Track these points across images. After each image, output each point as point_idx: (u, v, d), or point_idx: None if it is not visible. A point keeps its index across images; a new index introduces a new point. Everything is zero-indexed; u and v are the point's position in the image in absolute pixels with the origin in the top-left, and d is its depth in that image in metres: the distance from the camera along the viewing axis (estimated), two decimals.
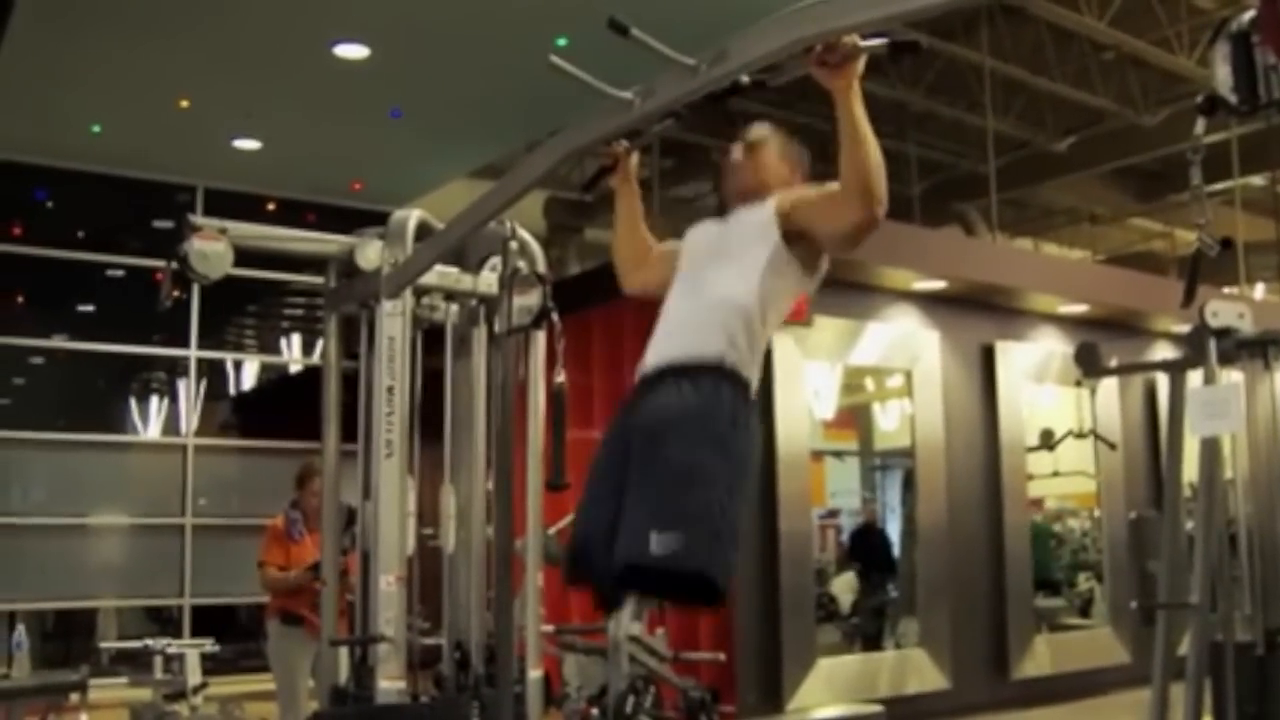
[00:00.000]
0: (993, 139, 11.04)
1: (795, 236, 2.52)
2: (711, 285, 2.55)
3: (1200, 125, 2.33)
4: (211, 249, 3.91)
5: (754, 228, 2.56)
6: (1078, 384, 8.58)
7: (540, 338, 4.04)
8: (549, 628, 5.20)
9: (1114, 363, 5.75)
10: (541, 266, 3.91)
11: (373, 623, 3.85)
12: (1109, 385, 8.68)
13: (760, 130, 2.77)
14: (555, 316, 3.02)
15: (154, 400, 11.23)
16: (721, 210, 2.78)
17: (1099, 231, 16.25)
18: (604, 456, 2.55)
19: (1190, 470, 4.57)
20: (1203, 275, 3.12)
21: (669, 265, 2.78)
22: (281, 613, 5.53)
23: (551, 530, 5.39)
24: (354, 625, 4.14)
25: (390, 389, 3.93)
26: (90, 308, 10.66)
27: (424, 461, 4.12)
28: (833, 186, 2.43)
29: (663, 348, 2.56)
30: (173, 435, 10.45)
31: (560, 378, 2.89)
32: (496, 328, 4.05)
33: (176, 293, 4.05)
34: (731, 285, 2.52)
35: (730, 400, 2.44)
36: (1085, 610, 9.52)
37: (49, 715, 5.90)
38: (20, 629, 5.97)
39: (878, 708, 6.29)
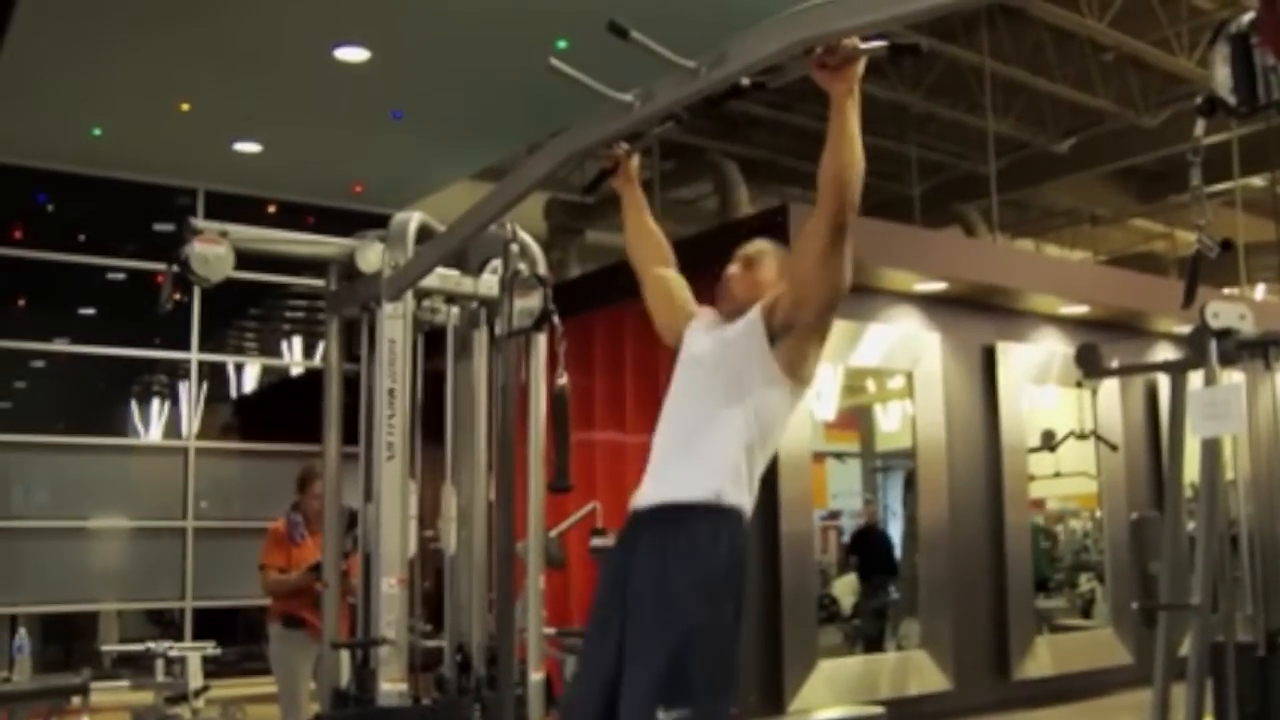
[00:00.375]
0: (993, 140, 11.05)
1: (781, 330, 2.53)
2: (705, 422, 2.55)
3: (1200, 126, 2.33)
4: (212, 252, 3.92)
5: (742, 335, 2.58)
6: (1079, 385, 8.58)
7: (541, 340, 4.05)
8: (550, 630, 5.20)
9: (1115, 364, 5.75)
10: (542, 269, 3.91)
11: (374, 625, 3.86)
12: (1110, 386, 8.68)
13: (759, 245, 2.78)
14: (556, 319, 3.02)
15: (155, 403, 11.23)
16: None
17: (1100, 232, 16.26)
18: (601, 604, 2.56)
19: (1191, 471, 4.57)
20: (1203, 276, 3.12)
21: (678, 310, 2.84)
22: (283, 615, 5.52)
23: (553, 532, 5.39)
24: (355, 628, 4.14)
25: (391, 391, 3.93)
26: (91, 311, 10.66)
27: (425, 464, 4.13)
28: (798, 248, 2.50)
29: (658, 485, 2.56)
30: (174, 438, 10.45)
31: (562, 379, 2.89)
32: (497, 330, 4.05)
33: (177, 296, 4.06)
34: (725, 422, 2.52)
35: (726, 545, 2.45)
36: (1087, 611, 9.52)
37: (51, 718, 5.91)
38: (22, 632, 5.97)
39: (879, 709, 6.30)
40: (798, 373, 2.57)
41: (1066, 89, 11.53)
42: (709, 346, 2.66)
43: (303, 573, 5.38)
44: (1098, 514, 9.35)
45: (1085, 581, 9.79)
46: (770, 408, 2.55)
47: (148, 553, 9.63)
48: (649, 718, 2.30)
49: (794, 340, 2.53)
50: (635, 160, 2.94)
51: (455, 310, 4.25)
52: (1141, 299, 8.83)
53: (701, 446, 2.52)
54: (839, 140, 2.31)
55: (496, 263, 3.88)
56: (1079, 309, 8.60)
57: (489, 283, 4.09)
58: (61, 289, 10.06)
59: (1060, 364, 8.35)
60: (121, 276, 10.22)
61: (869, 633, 9.07)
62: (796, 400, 2.61)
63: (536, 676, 3.98)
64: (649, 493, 2.56)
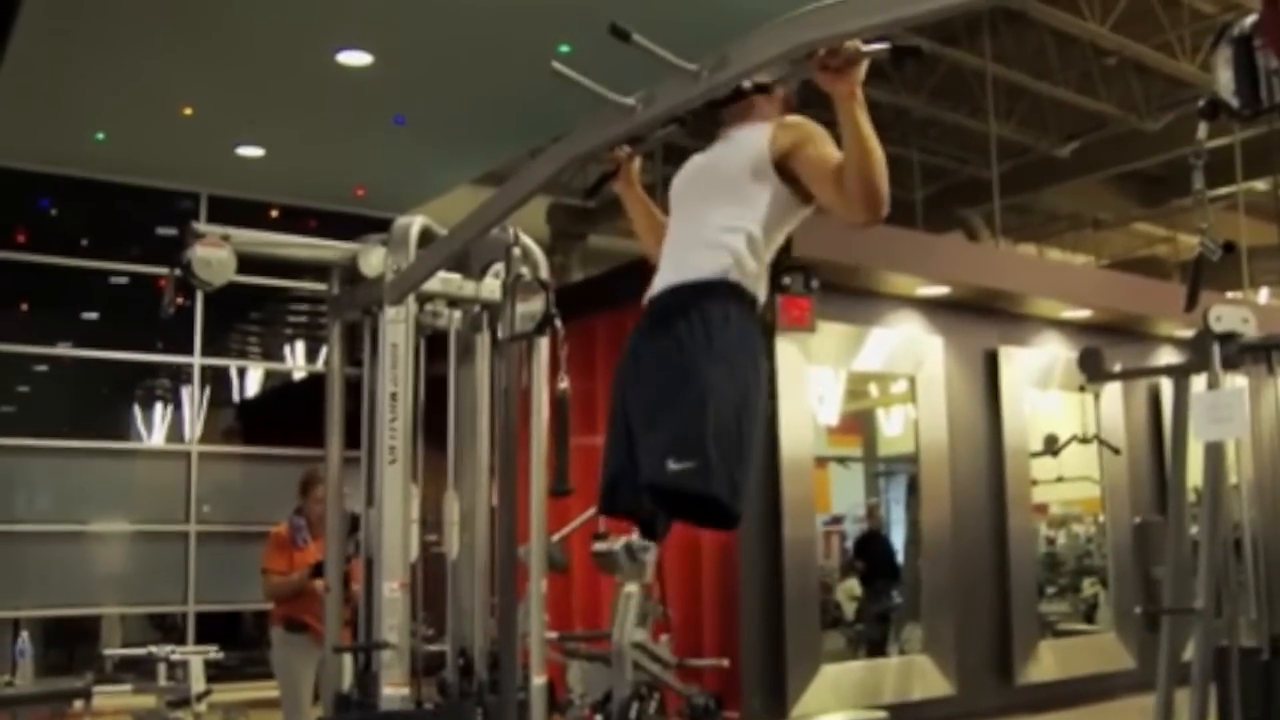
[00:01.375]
0: (995, 144, 11.04)
1: (790, 177, 2.49)
2: (711, 213, 2.53)
3: (1202, 129, 2.33)
4: (215, 256, 3.92)
5: (747, 161, 2.53)
6: (1081, 389, 8.58)
7: (543, 344, 4.04)
8: (553, 634, 5.19)
9: (1118, 368, 5.74)
10: (544, 272, 3.92)
11: (376, 629, 3.85)
12: (1113, 390, 8.67)
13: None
14: (558, 323, 3.02)
15: (158, 407, 11.23)
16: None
17: (1102, 236, 16.25)
18: (621, 386, 2.58)
19: (1195, 475, 4.56)
20: (1206, 280, 3.12)
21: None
22: (285, 620, 5.52)
23: (555, 537, 5.39)
24: (358, 632, 4.14)
25: (393, 395, 3.93)
26: (94, 315, 10.67)
27: (427, 468, 4.13)
28: (832, 156, 2.39)
29: (666, 273, 2.56)
30: (177, 442, 10.45)
31: (564, 383, 2.89)
32: (499, 334, 4.06)
33: (180, 299, 4.07)
34: (733, 212, 2.50)
35: (737, 318, 2.43)
36: (1090, 615, 9.50)
37: None
38: (24, 636, 5.98)
39: (882, 714, 6.29)
40: (803, 194, 2.51)
41: (1068, 93, 11.53)
42: (706, 165, 2.66)
43: (303, 574, 5.38)
44: (1100, 518, 9.33)
45: (1088, 586, 9.77)
46: (773, 212, 2.51)
47: (150, 557, 9.63)
48: (659, 461, 2.30)
49: (801, 186, 2.49)
50: (637, 163, 2.94)
51: (457, 314, 4.25)
52: (1144, 303, 8.82)
53: (705, 235, 2.51)
54: (855, 149, 2.28)
55: (498, 266, 3.88)
56: (1081, 313, 8.59)
57: (491, 286, 4.09)
58: (64, 293, 10.06)
59: (1063, 368, 8.34)
60: (124, 281, 10.22)
61: (872, 637, 9.06)
62: (795, 212, 2.55)
63: (538, 681, 3.97)
64: (657, 283, 2.56)
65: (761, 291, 2.52)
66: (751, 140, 2.55)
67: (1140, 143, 12.45)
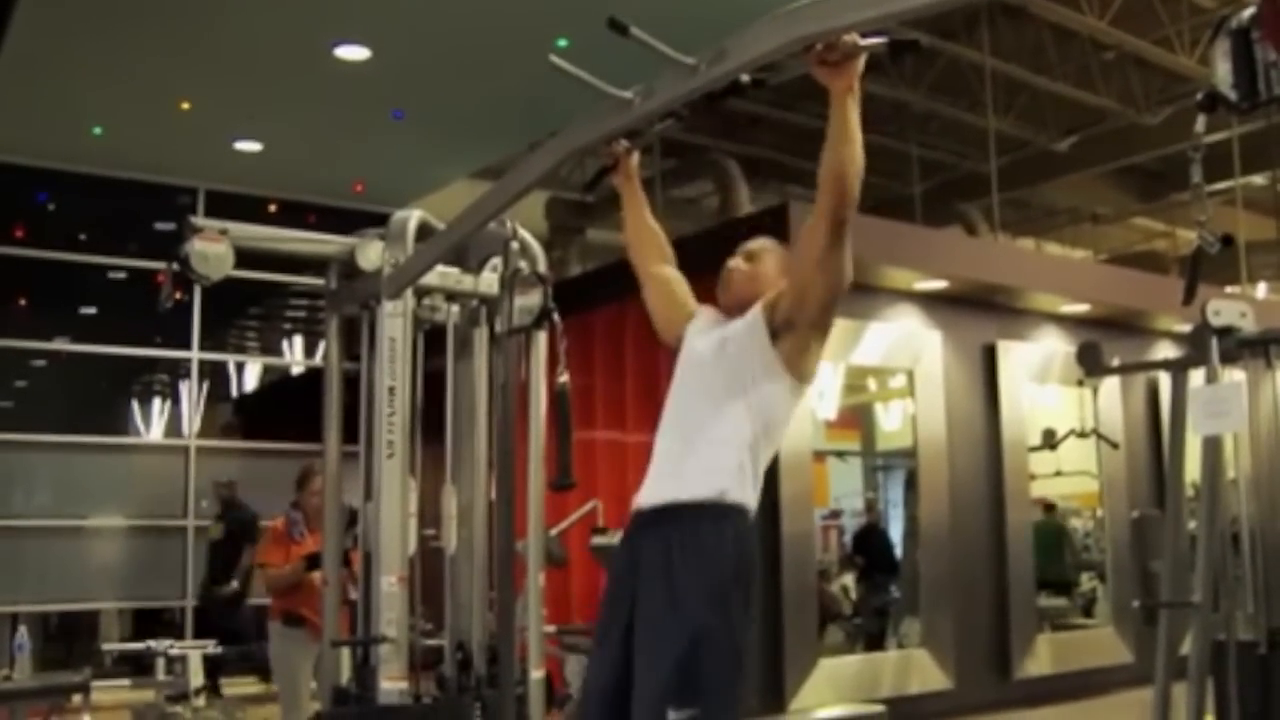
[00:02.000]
0: (994, 139, 11.03)
1: (783, 327, 2.53)
2: (707, 420, 2.55)
3: (1201, 122, 2.33)
4: (212, 250, 3.92)
5: (743, 332, 2.59)
6: (1080, 383, 8.56)
7: (541, 338, 4.04)
8: (551, 628, 5.20)
9: (1116, 362, 5.74)
10: (543, 267, 3.91)
11: (375, 624, 3.85)
12: (1111, 384, 8.67)
13: (761, 241, 2.80)
14: (556, 317, 3.02)
15: (156, 402, 11.24)
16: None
17: (1101, 231, 16.25)
18: (609, 603, 2.58)
19: (1193, 469, 4.56)
20: (1204, 274, 3.12)
21: (677, 309, 2.85)
22: (283, 614, 5.52)
23: (553, 531, 5.39)
24: (356, 626, 4.14)
25: (391, 390, 3.93)
26: (92, 310, 10.66)
27: (425, 462, 4.12)
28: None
29: (661, 484, 2.56)
30: (175, 437, 10.45)
31: (563, 377, 2.89)
32: (498, 328, 4.06)
33: (178, 294, 4.06)
34: (728, 419, 2.52)
35: (732, 544, 2.46)
36: (1088, 610, 9.51)
37: (51, 717, 5.91)
38: (22, 630, 5.97)
39: (880, 708, 6.29)
40: (799, 369, 2.57)
41: (1067, 87, 11.52)
42: (709, 344, 2.67)
43: (296, 566, 5.39)
44: (1099, 512, 9.34)
45: (1086, 580, 9.78)
46: (772, 404, 2.55)
47: (148, 551, 9.64)
48: (659, 718, 2.33)
49: (795, 337, 2.54)
50: (635, 158, 2.94)
51: (455, 308, 4.25)
52: (1142, 297, 8.82)
53: (704, 444, 2.52)
54: (839, 137, 2.31)
55: (497, 260, 3.87)
56: (1080, 307, 8.59)
57: (489, 280, 4.08)
58: (62, 288, 10.06)
59: (1061, 362, 8.34)
60: (122, 275, 10.22)
61: (870, 631, 9.07)
62: (799, 397, 2.61)
63: (537, 675, 3.97)
64: (652, 492, 2.56)
65: (754, 495, 2.54)
66: (748, 317, 2.60)
67: (1139, 137, 12.45)
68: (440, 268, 3.93)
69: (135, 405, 11.18)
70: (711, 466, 2.50)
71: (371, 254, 4.15)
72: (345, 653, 4.11)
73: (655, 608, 2.42)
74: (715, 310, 2.77)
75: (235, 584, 8.22)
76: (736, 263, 2.75)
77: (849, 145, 2.31)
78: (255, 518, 8.36)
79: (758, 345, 2.55)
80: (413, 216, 4.07)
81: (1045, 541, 9.28)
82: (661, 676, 2.36)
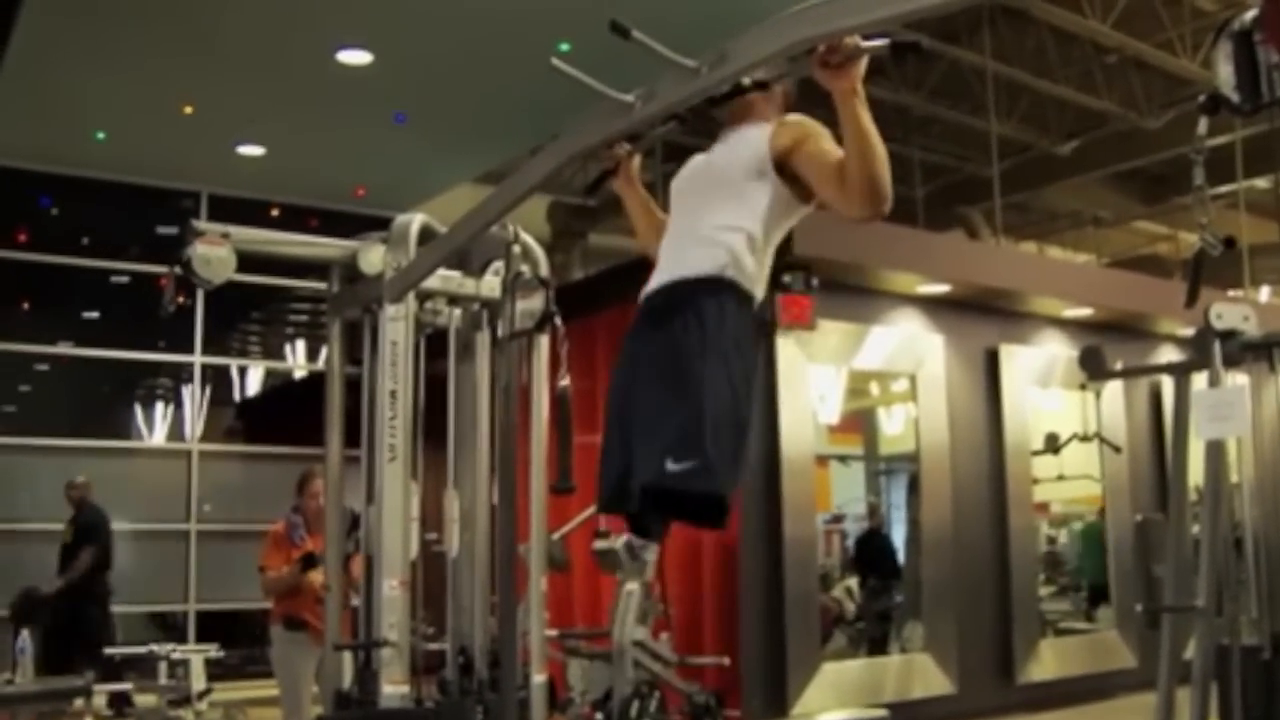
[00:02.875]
0: (996, 142, 11.03)
1: (790, 176, 2.50)
2: (710, 212, 2.54)
3: (1203, 124, 2.33)
4: (215, 254, 3.92)
5: (747, 160, 2.53)
6: (1082, 387, 8.56)
7: (543, 342, 4.04)
8: (553, 632, 5.18)
9: (1119, 366, 5.74)
10: (544, 270, 3.91)
11: (376, 627, 3.85)
12: (1114, 388, 8.66)
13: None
14: (558, 320, 3.02)
15: (159, 406, 11.24)
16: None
17: (1103, 235, 16.24)
18: (618, 386, 2.58)
19: (1196, 473, 4.55)
20: (1206, 278, 3.12)
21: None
22: (285, 618, 5.52)
23: (555, 535, 5.38)
24: (357, 630, 4.14)
25: (393, 393, 3.93)
26: (95, 314, 10.68)
27: (427, 466, 4.12)
28: (832, 152, 2.39)
29: (663, 270, 2.56)
30: (178, 441, 10.45)
31: (565, 381, 2.89)
32: (499, 332, 4.05)
33: (180, 298, 4.07)
34: (732, 211, 2.50)
35: (733, 313, 2.44)
36: (1091, 614, 9.49)
37: None
38: (25, 634, 5.97)
39: (883, 712, 6.27)
40: (807, 195, 2.52)
41: (1069, 91, 11.52)
42: (706, 165, 2.66)
43: (293, 568, 5.38)
44: (1102, 517, 9.32)
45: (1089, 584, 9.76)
46: (773, 211, 2.51)
47: (151, 555, 9.64)
48: (659, 470, 2.32)
49: (806, 185, 2.49)
50: (636, 161, 2.94)
51: (457, 312, 4.25)
52: (1145, 301, 8.81)
53: (704, 233, 2.51)
54: (856, 145, 2.28)
55: (498, 264, 3.87)
56: (1082, 311, 8.59)
57: (491, 284, 4.08)
58: (65, 292, 10.07)
59: (1064, 366, 8.34)
60: (125, 280, 10.23)
61: (873, 636, 9.05)
62: (794, 210, 2.55)
63: (539, 679, 3.96)
64: (654, 280, 2.57)
65: (760, 289, 2.52)
66: (751, 140, 2.56)
67: (1141, 141, 12.45)
68: (442, 271, 3.93)
69: (138, 409, 11.19)
70: (712, 247, 2.48)
71: (373, 258, 4.15)
72: (347, 656, 4.10)
73: (658, 372, 2.43)
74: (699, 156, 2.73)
75: (60, 582, 8.06)
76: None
77: (869, 148, 2.28)
78: (105, 520, 8.32)
79: (758, 161, 2.50)
80: (415, 220, 4.07)
81: (1091, 545, 9.26)
82: (663, 431, 2.35)
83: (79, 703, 5.96)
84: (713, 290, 2.45)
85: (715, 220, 2.52)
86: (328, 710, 4.16)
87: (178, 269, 3.92)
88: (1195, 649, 4.28)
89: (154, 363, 10.76)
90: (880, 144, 2.30)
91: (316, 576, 5.02)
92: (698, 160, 2.72)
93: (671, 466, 2.30)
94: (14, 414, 10.24)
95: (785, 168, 2.50)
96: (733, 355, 2.42)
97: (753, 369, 2.48)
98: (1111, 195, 14.90)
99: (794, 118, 2.57)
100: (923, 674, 7.35)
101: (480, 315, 4.25)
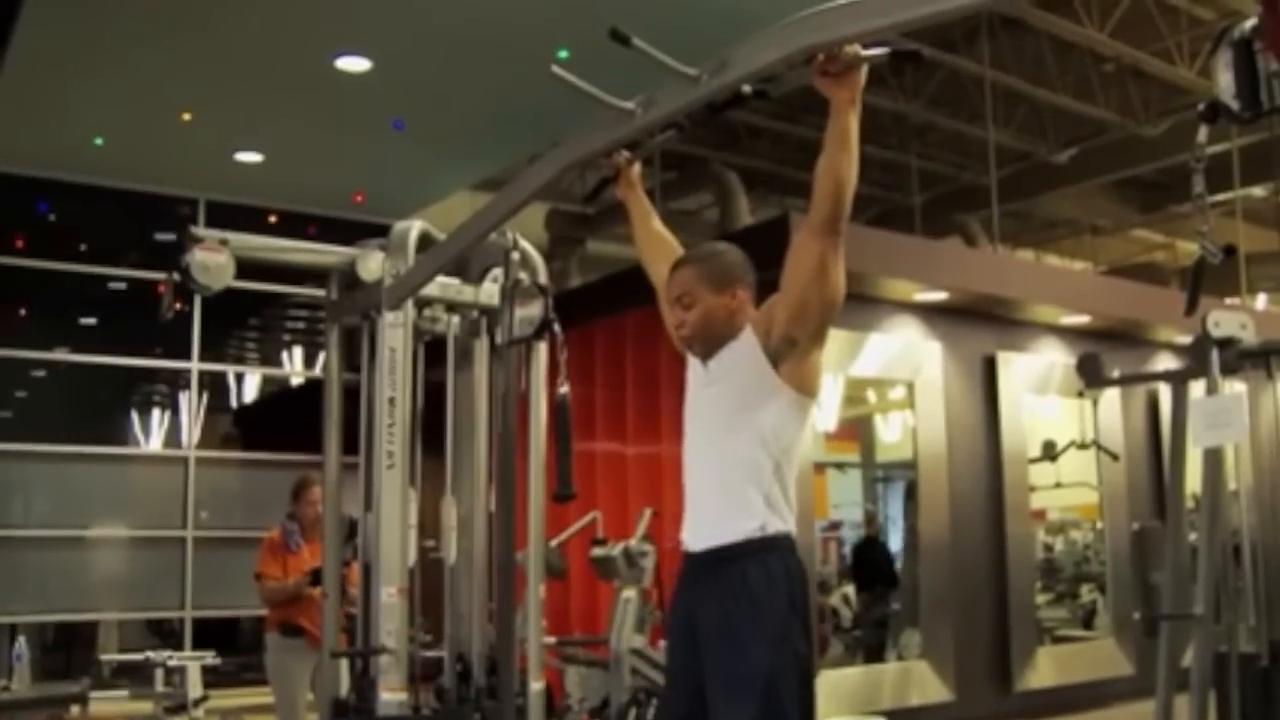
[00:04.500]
0: (994, 150, 11.05)
1: (783, 348, 2.53)
2: (728, 451, 2.58)
3: (1202, 132, 2.34)
4: (213, 260, 3.92)
5: (739, 361, 2.59)
6: (1080, 395, 8.58)
7: (542, 349, 4.04)
8: (551, 640, 5.19)
9: (1116, 374, 5.74)
10: (543, 278, 3.92)
11: (374, 635, 3.84)
12: (1111, 396, 8.67)
13: (679, 278, 2.68)
14: (557, 327, 3.02)
15: (155, 413, 11.22)
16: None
17: (1100, 243, 16.25)
18: (676, 651, 2.66)
19: (1193, 481, 4.55)
20: (1205, 286, 3.12)
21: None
22: (281, 625, 5.51)
23: (553, 542, 5.38)
24: (355, 637, 4.13)
25: (392, 400, 3.92)
26: (92, 320, 10.66)
27: (425, 473, 4.11)
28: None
29: (702, 526, 2.61)
30: (174, 448, 10.43)
31: (564, 388, 2.89)
32: (498, 339, 4.04)
33: (178, 304, 4.06)
34: (746, 450, 2.55)
35: (783, 579, 2.51)
36: (1088, 621, 9.49)
37: None
38: (21, 641, 5.97)
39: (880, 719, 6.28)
40: (805, 385, 2.59)
41: (1067, 99, 11.53)
42: (709, 379, 2.67)
43: (299, 581, 5.37)
44: (1099, 524, 9.33)
45: (1087, 592, 9.77)
46: (783, 425, 2.57)
47: (148, 562, 9.62)
48: None
49: (798, 356, 2.54)
50: (636, 167, 2.94)
51: (456, 319, 4.24)
52: (1142, 309, 8.83)
53: (732, 482, 2.56)
54: (839, 147, 2.32)
55: (497, 271, 3.88)
56: (1080, 319, 8.60)
57: (490, 291, 4.08)
58: (63, 298, 10.06)
59: (1061, 374, 8.35)
60: (122, 286, 10.21)
61: (870, 643, 9.05)
62: (807, 412, 2.63)
63: (537, 686, 3.96)
64: (696, 534, 2.62)
65: (791, 519, 2.60)
66: (738, 347, 2.61)
67: (1139, 149, 12.45)
68: (441, 278, 3.93)
69: (135, 416, 11.16)
70: (745, 504, 2.54)
71: (372, 265, 4.15)
72: (344, 664, 4.09)
73: (722, 657, 2.49)
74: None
75: None
76: (679, 318, 2.65)
77: (847, 153, 2.33)
78: None
79: (757, 370, 2.55)
80: (413, 227, 4.06)
81: None
82: (737, 711, 2.44)
83: (75, 710, 5.94)
84: (755, 557, 2.52)
85: (738, 468, 2.56)
86: (324, 718, 4.15)
87: (176, 275, 3.92)
88: (1193, 656, 4.28)
89: (151, 369, 10.74)
90: (856, 159, 2.35)
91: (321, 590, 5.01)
92: (703, 374, 2.69)
93: None
94: (11, 420, 10.22)
95: (772, 342, 2.54)
96: (791, 624, 2.49)
97: (808, 616, 2.56)
98: (1109, 203, 14.91)
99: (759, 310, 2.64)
100: (920, 681, 7.35)
101: (479, 322, 4.25)
